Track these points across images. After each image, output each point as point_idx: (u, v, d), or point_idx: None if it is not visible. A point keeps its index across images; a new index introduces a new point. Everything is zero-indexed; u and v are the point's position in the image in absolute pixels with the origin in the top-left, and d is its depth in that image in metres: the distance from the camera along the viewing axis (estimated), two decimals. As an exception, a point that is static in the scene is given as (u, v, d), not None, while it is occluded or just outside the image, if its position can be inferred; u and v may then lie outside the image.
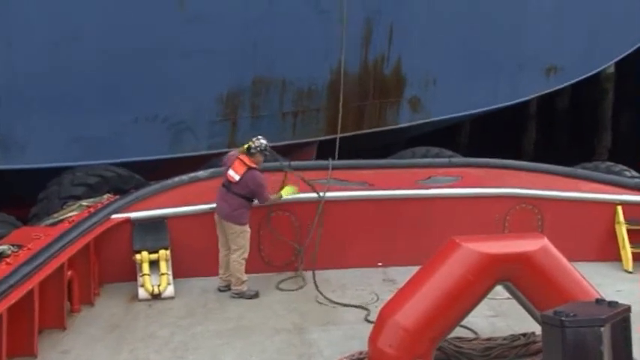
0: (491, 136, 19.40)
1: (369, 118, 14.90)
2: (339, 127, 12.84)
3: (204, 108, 13.16)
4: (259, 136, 8.97)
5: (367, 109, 14.83)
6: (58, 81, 11.88)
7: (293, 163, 10.23)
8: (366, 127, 14.88)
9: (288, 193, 9.13)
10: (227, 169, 8.86)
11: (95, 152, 12.17)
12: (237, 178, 8.72)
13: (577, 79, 17.52)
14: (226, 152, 9.63)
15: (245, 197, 8.72)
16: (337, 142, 12.78)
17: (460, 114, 16.40)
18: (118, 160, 12.09)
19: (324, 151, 13.45)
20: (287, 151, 12.54)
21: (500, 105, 16.61)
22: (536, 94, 17.70)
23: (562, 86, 17.73)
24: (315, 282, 8.92)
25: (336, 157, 11.80)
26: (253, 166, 8.74)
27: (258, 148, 8.81)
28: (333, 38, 13.42)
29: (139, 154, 12.48)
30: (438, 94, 15.48)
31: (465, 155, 11.70)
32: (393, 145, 14.77)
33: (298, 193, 9.24)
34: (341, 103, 13.07)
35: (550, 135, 21.44)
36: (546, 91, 17.43)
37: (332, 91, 14.01)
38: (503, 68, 16.20)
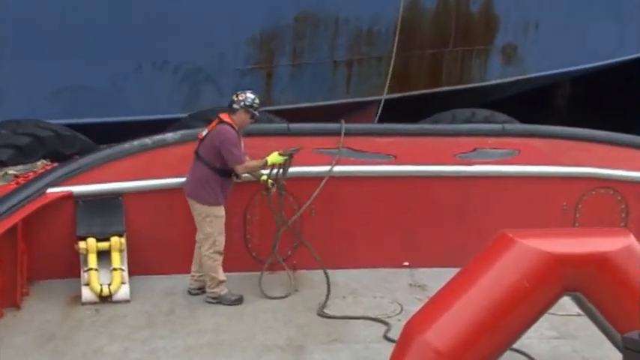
0: (599, 99, 18.81)
1: (448, 71, 14.80)
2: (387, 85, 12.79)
3: (231, 53, 13.21)
4: (248, 90, 8.90)
5: (446, 59, 14.71)
6: (38, 17, 11.90)
7: (292, 126, 10.19)
8: (444, 84, 14.80)
9: (275, 159, 8.84)
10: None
11: (85, 107, 12.21)
12: (204, 132, 8.73)
13: None
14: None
15: (213, 166, 8.63)
16: (381, 104, 12.79)
17: (569, 69, 16.16)
18: (116, 119, 12.11)
19: (389, 113, 13.32)
20: (338, 113, 12.42)
21: (625, 57, 16.34)
22: None
23: None
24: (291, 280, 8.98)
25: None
26: (228, 120, 8.68)
27: (242, 103, 8.72)
28: None
29: (143, 112, 12.57)
30: (539, 42, 15.29)
31: (561, 125, 11.40)
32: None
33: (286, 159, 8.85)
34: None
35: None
36: None
37: (401, 33, 13.90)
38: (632, 8, 15.92)
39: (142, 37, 12.52)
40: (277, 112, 12.33)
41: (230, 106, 8.78)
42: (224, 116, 8.72)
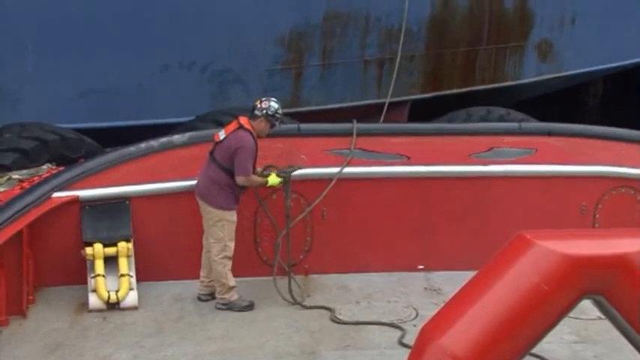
0: (631, 98, 18.62)
1: (482, 69, 14.78)
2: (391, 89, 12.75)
3: (259, 53, 13.22)
4: (272, 98, 8.87)
5: (479, 57, 14.69)
6: (60, 15, 11.92)
7: (303, 126, 10.19)
8: (477, 83, 14.78)
9: (275, 181, 8.90)
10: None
11: (110, 111, 12.21)
12: (222, 136, 8.69)
13: None
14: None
15: (228, 170, 8.62)
16: (386, 106, 12.69)
17: (606, 66, 16.05)
18: (141, 122, 12.11)
19: (420, 113, 13.25)
20: (367, 113, 12.41)
21: None
22: None
23: None
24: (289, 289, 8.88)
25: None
26: (248, 127, 8.68)
27: (265, 112, 8.72)
28: None
29: (170, 114, 12.57)
30: (576, 38, 15.20)
31: (591, 124, 11.28)
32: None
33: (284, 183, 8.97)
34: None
35: None
36: None
37: (434, 30, 13.86)
38: None
39: (168, 37, 12.57)
40: (306, 114, 12.33)
41: (252, 111, 8.77)
42: (244, 121, 8.68)
